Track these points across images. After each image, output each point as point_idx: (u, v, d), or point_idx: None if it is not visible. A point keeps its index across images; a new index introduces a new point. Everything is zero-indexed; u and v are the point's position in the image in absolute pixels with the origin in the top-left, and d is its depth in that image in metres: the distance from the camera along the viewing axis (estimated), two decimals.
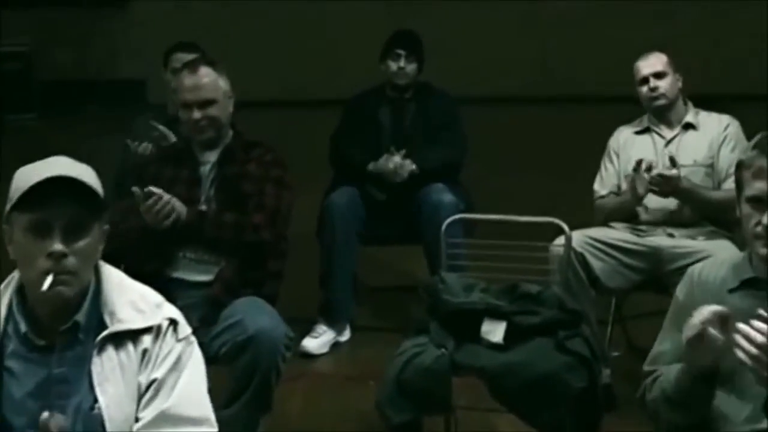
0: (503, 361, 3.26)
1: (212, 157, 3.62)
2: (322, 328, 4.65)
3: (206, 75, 3.59)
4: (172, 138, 4.27)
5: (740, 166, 2.50)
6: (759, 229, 2.41)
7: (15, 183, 2.19)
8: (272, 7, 10.36)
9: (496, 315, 3.33)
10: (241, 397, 3.25)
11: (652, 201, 4.07)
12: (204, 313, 3.36)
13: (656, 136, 4.27)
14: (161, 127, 4.36)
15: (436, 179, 4.63)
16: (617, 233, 4.08)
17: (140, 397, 2.20)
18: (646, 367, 2.58)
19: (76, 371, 2.20)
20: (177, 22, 9.42)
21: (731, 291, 2.47)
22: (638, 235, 4.07)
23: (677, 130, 4.25)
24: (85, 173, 2.21)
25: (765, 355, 2.17)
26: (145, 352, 2.21)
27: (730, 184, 4.02)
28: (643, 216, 4.12)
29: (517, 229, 3.72)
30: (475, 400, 3.53)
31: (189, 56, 4.17)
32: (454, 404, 3.39)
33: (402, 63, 4.78)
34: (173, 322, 2.25)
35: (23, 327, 2.22)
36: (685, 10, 10.12)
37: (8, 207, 2.20)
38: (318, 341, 4.61)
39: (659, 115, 4.27)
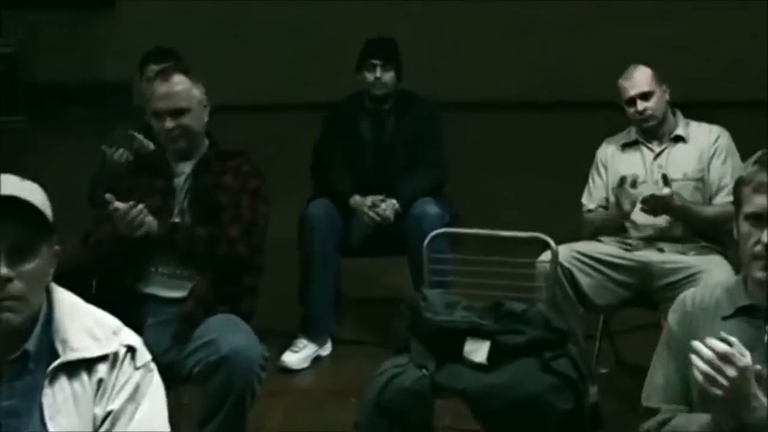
0: (486, 382, 3.18)
1: (187, 167, 3.51)
2: (302, 342, 4.56)
3: (179, 83, 3.47)
4: (151, 147, 4.18)
5: (740, 182, 2.39)
6: (758, 248, 2.29)
7: None
8: (259, 8, 10.25)
9: (479, 334, 3.25)
10: (214, 419, 3.14)
11: (641, 217, 3.97)
12: (177, 331, 3.26)
13: (645, 150, 4.16)
14: (139, 136, 4.27)
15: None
16: (606, 248, 3.99)
17: (96, 430, 2.09)
18: (645, 404, 2.44)
19: (26, 403, 2.08)
20: (164, 24, 9.34)
21: (725, 318, 2.36)
22: (627, 250, 3.98)
23: (666, 143, 4.15)
24: (31, 193, 2.09)
25: (721, 377, 2.09)
26: (100, 381, 2.09)
27: (721, 198, 3.94)
28: (633, 233, 4.03)
29: (504, 242, 3.67)
30: (458, 420, 3.44)
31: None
32: (435, 425, 3.31)
33: (378, 73, 4.63)
34: (131, 349, 2.13)
35: None
36: (685, 10, 10.04)
37: None
38: (298, 356, 4.52)
39: (648, 131, 4.16)
